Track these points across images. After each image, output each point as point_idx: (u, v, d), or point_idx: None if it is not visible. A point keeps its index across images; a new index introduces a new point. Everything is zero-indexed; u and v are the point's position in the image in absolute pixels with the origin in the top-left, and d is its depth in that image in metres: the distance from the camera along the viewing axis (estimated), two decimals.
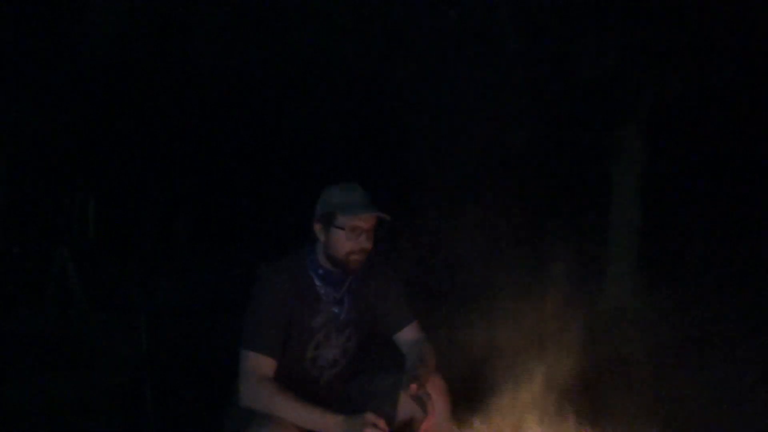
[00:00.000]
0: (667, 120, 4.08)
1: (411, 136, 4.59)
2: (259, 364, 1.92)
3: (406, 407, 1.97)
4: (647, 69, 3.80)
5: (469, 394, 2.21)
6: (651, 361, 3.13)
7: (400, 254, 4.46)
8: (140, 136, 5.31)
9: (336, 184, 2.04)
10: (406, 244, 4.63)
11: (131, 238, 5.54)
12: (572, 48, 3.77)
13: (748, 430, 2.57)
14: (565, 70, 3.86)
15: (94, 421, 2.77)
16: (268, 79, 4.65)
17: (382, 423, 1.79)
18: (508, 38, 3.92)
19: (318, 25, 4.15)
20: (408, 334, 2.13)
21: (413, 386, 1.85)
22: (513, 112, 4.24)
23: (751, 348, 3.39)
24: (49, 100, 4.97)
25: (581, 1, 3.66)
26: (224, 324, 2.35)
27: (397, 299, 2.14)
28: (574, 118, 4.11)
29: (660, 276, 4.21)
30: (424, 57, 4.13)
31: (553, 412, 2.10)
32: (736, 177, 4.46)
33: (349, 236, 1.97)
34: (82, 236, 5.50)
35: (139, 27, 4.27)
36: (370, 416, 1.81)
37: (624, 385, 2.70)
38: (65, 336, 4.03)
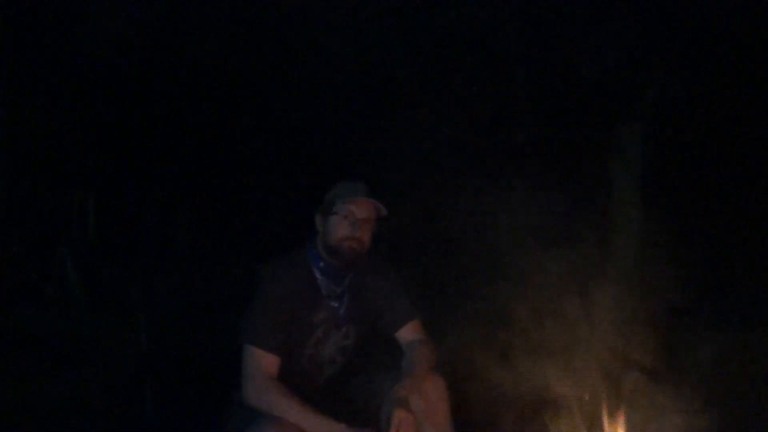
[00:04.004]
0: (668, 120, 4.08)
1: (411, 135, 4.59)
2: (265, 361, 1.93)
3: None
4: (647, 69, 3.80)
5: (470, 394, 2.21)
6: (651, 361, 3.13)
7: (401, 252, 4.46)
8: (140, 135, 5.31)
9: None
10: (406, 243, 4.63)
11: (131, 238, 5.54)
12: (572, 47, 3.77)
13: (749, 430, 2.57)
14: (565, 70, 3.86)
15: (93, 421, 2.77)
16: (270, 80, 4.65)
17: None
18: (507, 37, 3.92)
19: (318, 26, 4.15)
20: (407, 333, 2.14)
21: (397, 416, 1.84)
22: (512, 111, 4.24)
23: (751, 348, 3.39)
24: (49, 99, 4.97)
25: (582, 1, 3.66)
26: (224, 324, 2.36)
27: (396, 296, 2.14)
28: (573, 118, 4.11)
29: (660, 276, 4.21)
30: (423, 55, 4.13)
31: (554, 412, 2.11)
32: (737, 177, 4.45)
33: (342, 221, 2.01)
34: (82, 236, 5.49)
35: (139, 26, 4.27)
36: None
37: (623, 386, 2.70)
38: (65, 336, 4.03)
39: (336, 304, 2.07)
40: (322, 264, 2.04)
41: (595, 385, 2.45)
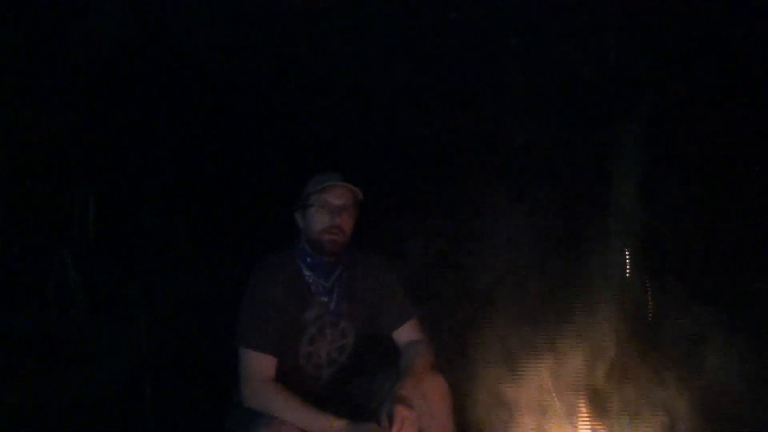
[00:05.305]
0: (667, 120, 4.08)
1: (409, 136, 4.59)
2: (261, 363, 1.93)
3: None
4: (647, 69, 3.79)
5: (472, 395, 2.21)
6: (651, 361, 3.13)
7: (401, 254, 4.46)
8: (140, 135, 5.31)
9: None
10: (405, 244, 4.63)
11: (131, 238, 5.53)
12: (572, 47, 3.77)
13: (748, 431, 2.57)
14: (565, 70, 3.86)
15: (94, 421, 2.77)
16: (269, 80, 4.65)
17: None
18: (507, 37, 3.91)
19: (317, 26, 4.14)
20: (405, 333, 2.13)
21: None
22: (512, 111, 4.24)
23: (750, 348, 3.38)
24: (49, 99, 4.96)
25: (582, 1, 3.66)
26: (224, 324, 2.36)
27: (392, 295, 2.14)
28: (573, 118, 4.10)
29: (660, 276, 4.21)
30: (422, 56, 4.12)
31: (556, 412, 2.11)
32: (737, 177, 4.45)
33: (320, 211, 2.01)
34: (82, 236, 5.49)
35: (139, 25, 4.26)
36: (374, 427, 1.82)
37: (624, 385, 2.70)
38: (65, 336, 4.03)
39: (326, 299, 2.06)
40: (309, 259, 2.03)
41: (594, 388, 2.45)
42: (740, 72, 3.85)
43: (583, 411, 2.13)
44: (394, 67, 4.21)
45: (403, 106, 4.45)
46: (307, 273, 2.05)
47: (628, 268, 4.18)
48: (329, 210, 1.99)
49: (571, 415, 2.16)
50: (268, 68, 4.52)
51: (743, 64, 3.77)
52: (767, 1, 3.40)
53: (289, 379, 1.94)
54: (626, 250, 4.14)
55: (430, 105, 4.39)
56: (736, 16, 3.46)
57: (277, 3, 4.09)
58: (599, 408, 2.30)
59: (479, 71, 4.10)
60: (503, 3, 3.86)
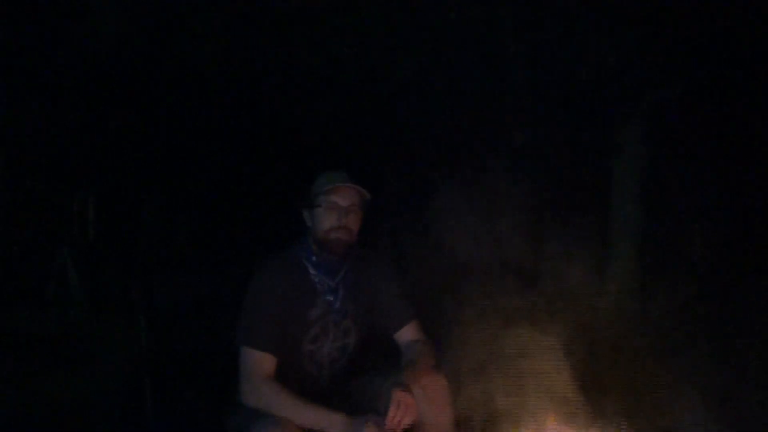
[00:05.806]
0: (667, 120, 4.08)
1: (409, 136, 4.59)
2: (261, 361, 1.92)
3: None
4: (647, 69, 3.79)
5: (471, 395, 2.20)
6: (650, 361, 3.13)
7: (400, 253, 4.46)
8: (140, 136, 5.31)
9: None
10: (405, 243, 4.63)
11: (131, 238, 5.54)
12: (573, 48, 3.77)
13: (747, 430, 2.57)
14: (565, 70, 3.86)
15: (94, 421, 2.77)
16: (270, 80, 4.65)
17: (384, 425, 1.79)
18: (507, 38, 3.91)
19: (319, 26, 4.14)
20: (407, 334, 2.13)
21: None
22: (512, 111, 4.24)
23: (750, 348, 3.38)
24: (49, 99, 4.97)
25: (582, 1, 3.66)
26: (224, 324, 2.36)
27: (395, 296, 2.13)
28: (573, 118, 4.10)
29: (660, 276, 4.21)
30: (422, 56, 4.12)
31: (555, 412, 2.10)
32: (737, 176, 4.46)
33: (327, 212, 2.00)
34: (82, 236, 5.49)
35: (139, 26, 4.26)
36: (372, 417, 1.81)
37: (624, 385, 2.70)
38: (65, 336, 4.03)
39: (331, 298, 2.06)
40: (314, 258, 2.03)
41: (596, 388, 2.45)
42: (739, 72, 3.85)
43: (577, 413, 2.13)
44: (396, 68, 4.21)
45: (405, 107, 4.45)
46: (312, 271, 2.05)
47: (628, 268, 4.18)
48: (336, 210, 1.99)
49: (568, 415, 2.17)
50: (270, 69, 4.52)
51: (743, 64, 3.77)
52: (767, 1, 3.40)
53: (290, 377, 1.94)
54: (626, 249, 4.14)
55: (431, 105, 4.39)
56: (736, 16, 3.46)
57: (278, 3, 4.09)
58: (596, 409, 2.30)
59: (480, 72, 4.10)
60: (503, 4, 3.85)
